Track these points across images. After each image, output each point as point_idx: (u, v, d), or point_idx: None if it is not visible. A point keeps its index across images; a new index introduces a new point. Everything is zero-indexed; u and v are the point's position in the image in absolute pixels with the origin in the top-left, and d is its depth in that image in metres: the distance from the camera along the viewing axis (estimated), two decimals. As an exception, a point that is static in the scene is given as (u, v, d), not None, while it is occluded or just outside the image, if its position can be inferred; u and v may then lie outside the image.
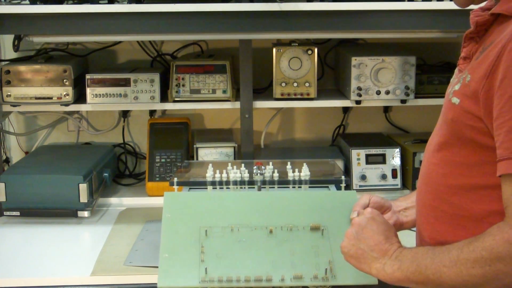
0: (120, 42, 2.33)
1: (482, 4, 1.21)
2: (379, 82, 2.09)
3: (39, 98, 2.08)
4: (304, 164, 1.90)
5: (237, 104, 2.14)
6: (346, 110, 2.43)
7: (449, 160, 1.18)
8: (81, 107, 2.15)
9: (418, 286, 1.15)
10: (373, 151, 2.18)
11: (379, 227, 1.25)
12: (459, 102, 1.14)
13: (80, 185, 1.94)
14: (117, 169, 2.37)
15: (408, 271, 1.15)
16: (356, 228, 1.26)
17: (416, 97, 2.13)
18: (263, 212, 1.52)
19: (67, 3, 1.93)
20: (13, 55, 2.27)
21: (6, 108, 2.13)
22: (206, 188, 1.82)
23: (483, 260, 1.04)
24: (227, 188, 1.81)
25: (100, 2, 1.90)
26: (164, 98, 2.13)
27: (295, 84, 2.12)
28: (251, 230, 1.46)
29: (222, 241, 1.44)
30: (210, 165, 1.90)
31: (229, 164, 1.91)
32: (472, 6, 1.22)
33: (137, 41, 2.32)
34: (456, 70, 1.24)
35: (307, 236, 1.48)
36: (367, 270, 1.22)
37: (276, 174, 1.84)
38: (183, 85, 2.12)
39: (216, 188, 1.81)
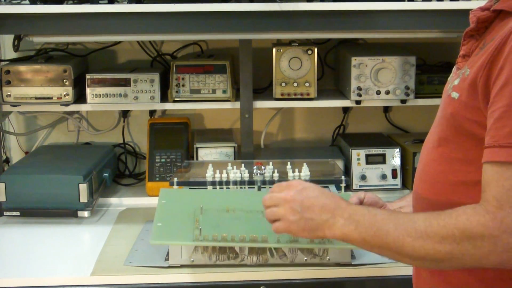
0: (120, 42, 2.33)
1: (482, 4, 1.21)
2: (379, 82, 2.10)
3: (39, 98, 2.08)
4: (304, 164, 1.90)
5: (237, 104, 2.14)
6: (346, 110, 2.43)
7: (448, 156, 1.18)
8: (81, 107, 2.15)
9: (373, 249, 1.14)
10: (373, 151, 2.18)
11: (315, 191, 1.22)
12: (458, 96, 1.14)
13: (80, 185, 1.94)
14: (117, 169, 2.37)
15: (367, 233, 1.13)
16: (293, 203, 1.20)
17: (416, 97, 2.13)
18: (257, 205, 1.52)
19: (67, 3, 1.93)
20: (13, 55, 2.27)
21: (6, 108, 2.13)
22: (206, 188, 1.83)
23: (453, 238, 1.05)
24: (227, 188, 1.82)
25: (100, 2, 1.90)
26: (164, 98, 2.13)
27: (295, 84, 2.12)
28: (246, 212, 1.46)
29: (217, 218, 1.44)
30: (210, 165, 1.91)
31: (229, 164, 1.92)
32: (471, 5, 1.22)
33: (137, 41, 2.32)
34: (454, 69, 1.24)
35: None
36: (321, 235, 1.18)
37: (276, 174, 1.85)
38: (183, 85, 2.12)
39: (216, 188, 1.82)
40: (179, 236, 1.34)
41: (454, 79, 1.18)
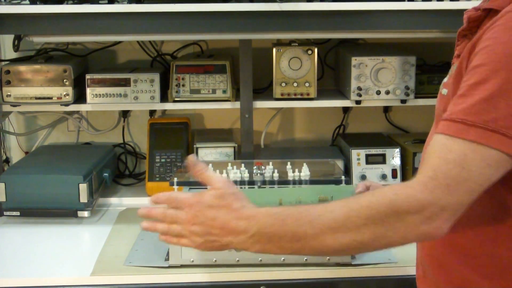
0: (120, 42, 2.33)
1: (476, 4, 1.21)
2: (379, 82, 2.09)
3: (39, 98, 2.08)
4: (304, 164, 1.90)
5: (237, 104, 2.14)
6: (346, 110, 2.43)
7: None
8: (81, 107, 2.15)
9: (297, 253, 1.08)
10: (373, 151, 2.18)
11: (212, 211, 1.11)
12: (447, 92, 1.14)
13: (80, 185, 1.94)
14: (117, 169, 2.37)
15: (283, 242, 1.05)
16: (193, 227, 1.12)
17: (416, 97, 2.13)
18: (269, 196, 1.50)
19: (67, 3, 1.93)
20: (13, 55, 2.27)
21: (6, 108, 2.13)
22: (206, 188, 1.82)
23: (377, 217, 1.00)
24: None
25: (100, 2, 1.90)
26: (164, 98, 2.13)
27: (295, 84, 2.12)
28: (260, 204, 1.45)
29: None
30: (210, 165, 1.90)
31: (229, 164, 1.91)
32: (471, 5, 1.23)
33: (137, 41, 2.32)
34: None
35: None
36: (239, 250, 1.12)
37: (276, 174, 1.84)
38: (183, 85, 2.12)
39: None
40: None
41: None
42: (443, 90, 1.17)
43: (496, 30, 1.01)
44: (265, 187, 1.80)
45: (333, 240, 1.02)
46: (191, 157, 1.21)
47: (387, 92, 2.10)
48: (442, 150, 1.00)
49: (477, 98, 0.99)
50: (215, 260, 1.59)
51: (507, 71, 0.97)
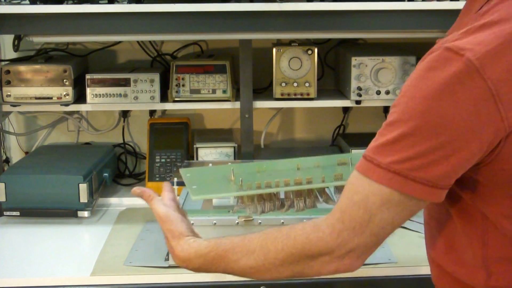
0: (120, 42, 2.33)
1: None
2: (379, 82, 2.10)
3: (39, 98, 2.08)
4: (304, 164, 1.90)
5: (237, 104, 2.14)
6: (346, 110, 2.43)
7: None
8: (81, 107, 2.15)
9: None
10: (373, 151, 2.18)
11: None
12: None
13: (80, 185, 1.94)
14: (117, 169, 2.37)
15: (217, 273, 1.17)
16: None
17: (416, 97, 2.13)
18: (285, 171, 1.49)
19: (67, 3, 1.93)
20: (13, 55, 2.27)
21: (6, 108, 2.13)
22: None
23: (292, 258, 1.07)
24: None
25: (100, 2, 1.90)
26: (164, 98, 2.13)
27: (295, 84, 2.12)
28: (278, 172, 1.43)
29: (251, 175, 1.40)
30: (210, 165, 1.90)
31: (229, 164, 1.91)
32: None
33: (137, 41, 2.32)
34: None
35: (336, 169, 1.45)
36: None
37: (276, 174, 1.84)
38: (183, 85, 2.12)
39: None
40: (219, 188, 1.30)
41: None
42: None
43: (417, 71, 1.01)
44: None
45: (257, 277, 1.12)
46: (135, 189, 1.32)
47: (387, 92, 2.10)
48: (350, 189, 1.04)
49: (386, 138, 1.01)
50: (261, 211, 1.56)
51: (416, 118, 0.97)
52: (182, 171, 1.57)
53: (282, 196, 1.53)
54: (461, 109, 0.95)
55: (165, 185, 1.35)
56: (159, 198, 1.28)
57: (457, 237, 1.11)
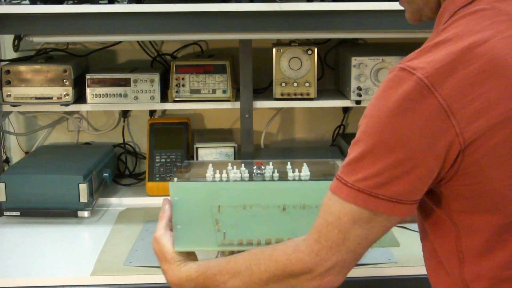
0: (120, 42, 2.33)
1: None
2: (379, 82, 2.10)
3: (39, 98, 2.08)
4: (304, 164, 1.90)
5: (237, 104, 2.14)
6: (346, 110, 2.43)
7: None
8: (81, 107, 2.15)
9: None
10: (373, 151, 2.18)
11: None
12: None
13: (80, 185, 1.94)
14: (117, 169, 2.37)
15: None
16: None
17: (416, 97, 2.13)
18: (273, 195, 1.50)
19: (67, 3, 1.93)
20: (13, 55, 2.27)
21: (6, 108, 2.13)
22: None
23: (276, 278, 1.10)
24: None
25: (100, 2, 1.90)
26: (164, 98, 2.13)
27: (295, 84, 2.12)
28: (263, 209, 1.44)
29: (236, 216, 1.41)
30: (210, 165, 1.90)
31: (229, 164, 1.91)
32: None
33: (137, 41, 2.32)
34: None
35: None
36: None
37: (276, 174, 1.84)
38: (183, 85, 2.12)
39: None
40: (203, 241, 1.32)
41: None
42: None
43: (377, 91, 1.03)
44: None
45: None
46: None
47: (387, 92, 2.10)
48: (325, 210, 1.07)
49: (350, 157, 1.03)
50: None
51: (374, 137, 1.00)
52: (172, 187, 1.58)
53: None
54: (415, 126, 0.97)
55: (163, 202, 1.40)
56: (165, 219, 1.33)
57: (435, 255, 1.13)
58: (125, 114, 2.38)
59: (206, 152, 2.18)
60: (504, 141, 0.97)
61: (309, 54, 2.11)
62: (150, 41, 2.33)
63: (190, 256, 1.25)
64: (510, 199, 1.00)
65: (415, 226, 1.82)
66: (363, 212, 1.02)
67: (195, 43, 2.36)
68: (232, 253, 1.31)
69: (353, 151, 1.03)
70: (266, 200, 1.48)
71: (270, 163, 1.90)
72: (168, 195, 2.09)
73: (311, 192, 1.53)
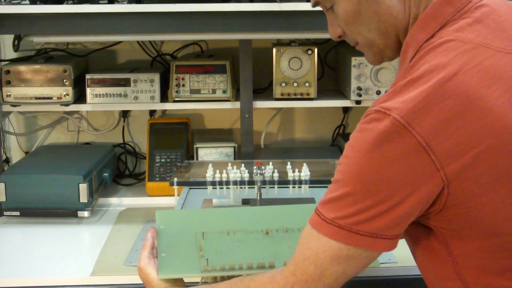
0: (120, 42, 2.33)
1: None
2: (379, 82, 2.10)
3: (39, 98, 2.08)
4: (304, 164, 1.90)
5: (237, 104, 2.14)
6: (346, 110, 2.43)
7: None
8: (81, 107, 2.15)
9: None
10: (373, 151, 2.18)
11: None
12: None
13: (80, 185, 1.94)
14: (117, 169, 2.37)
15: None
16: None
17: (416, 97, 2.13)
18: (257, 220, 1.52)
19: (67, 3, 1.93)
20: (13, 55, 2.27)
21: (6, 108, 2.13)
22: (206, 188, 1.83)
23: None
24: (227, 188, 1.81)
25: (100, 2, 1.90)
26: (164, 98, 2.13)
27: (295, 84, 2.12)
28: (247, 233, 1.47)
29: (220, 242, 1.44)
30: (210, 165, 1.90)
31: (229, 164, 1.91)
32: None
33: (137, 41, 2.32)
34: None
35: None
36: None
37: (276, 174, 1.84)
38: (183, 85, 2.12)
39: (216, 188, 1.81)
40: (186, 267, 1.34)
41: None
42: None
43: (353, 132, 1.04)
44: (265, 187, 1.80)
45: None
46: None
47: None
48: (303, 243, 1.07)
49: (331, 196, 1.04)
50: None
51: (354, 179, 1.01)
52: (158, 216, 1.58)
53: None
54: (394, 166, 0.97)
55: (148, 230, 1.41)
56: (148, 247, 1.35)
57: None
58: (125, 114, 2.38)
59: (206, 152, 2.17)
60: (488, 169, 0.97)
61: (309, 54, 2.11)
62: (150, 41, 2.33)
63: (177, 282, 1.27)
64: (502, 222, 1.01)
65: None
66: (343, 249, 1.03)
67: (195, 43, 2.36)
68: (215, 278, 1.34)
69: (333, 190, 1.04)
70: (249, 225, 1.49)
71: (270, 163, 1.90)
72: (168, 195, 2.10)
73: (294, 215, 1.54)
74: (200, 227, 1.47)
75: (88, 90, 2.09)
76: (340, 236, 1.02)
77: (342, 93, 2.24)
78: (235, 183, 1.82)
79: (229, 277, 1.37)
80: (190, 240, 1.44)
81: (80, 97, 2.15)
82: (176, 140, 2.22)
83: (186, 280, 1.32)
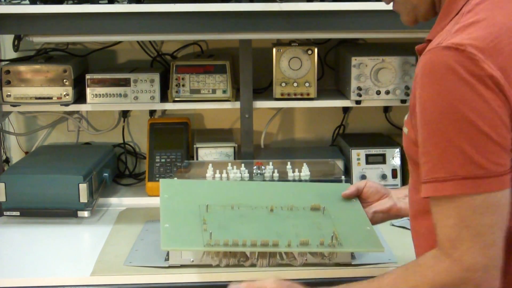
0: (120, 42, 2.33)
1: None
2: (379, 82, 2.10)
3: (39, 98, 2.08)
4: (304, 164, 1.90)
5: (237, 104, 2.14)
6: (346, 110, 2.43)
7: (413, 186, 1.24)
8: (81, 107, 2.15)
9: None
10: (373, 151, 2.18)
11: None
12: (407, 132, 1.18)
13: (80, 185, 1.94)
14: (117, 169, 2.37)
15: None
16: None
17: (416, 97, 2.13)
18: (262, 196, 1.51)
19: (67, 3, 1.93)
20: (13, 55, 2.27)
21: (6, 108, 2.13)
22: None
23: None
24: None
25: (100, 2, 1.90)
26: (164, 98, 2.13)
27: (295, 84, 2.12)
28: (251, 209, 1.45)
29: (224, 216, 1.42)
30: (210, 165, 1.91)
31: (229, 164, 1.92)
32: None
33: (137, 41, 2.32)
34: None
35: (308, 215, 1.46)
36: None
37: (276, 174, 1.85)
38: (183, 85, 2.12)
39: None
40: (189, 240, 1.32)
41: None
42: (405, 129, 1.20)
43: (426, 76, 1.04)
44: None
45: None
46: None
47: (387, 92, 2.10)
48: (441, 218, 1.04)
49: (432, 155, 1.03)
50: (226, 264, 1.58)
51: (448, 124, 1.01)
52: (163, 184, 1.56)
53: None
54: (478, 102, 0.98)
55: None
56: None
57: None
58: (125, 114, 2.38)
59: (206, 152, 2.18)
60: None
61: (309, 54, 2.11)
62: (150, 41, 2.33)
63: None
64: None
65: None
66: (476, 199, 1.00)
67: (195, 43, 2.36)
68: (217, 253, 1.32)
69: (430, 148, 1.03)
70: (254, 201, 1.48)
71: (270, 163, 1.90)
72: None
73: (299, 193, 1.53)
74: (205, 199, 1.46)
75: (88, 90, 2.09)
76: (469, 187, 1.00)
77: (342, 93, 2.24)
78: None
79: (232, 253, 1.36)
80: (194, 212, 1.42)
81: (80, 97, 2.16)
82: (176, 140, 2.23)
83: (189, 253, 1.27)
